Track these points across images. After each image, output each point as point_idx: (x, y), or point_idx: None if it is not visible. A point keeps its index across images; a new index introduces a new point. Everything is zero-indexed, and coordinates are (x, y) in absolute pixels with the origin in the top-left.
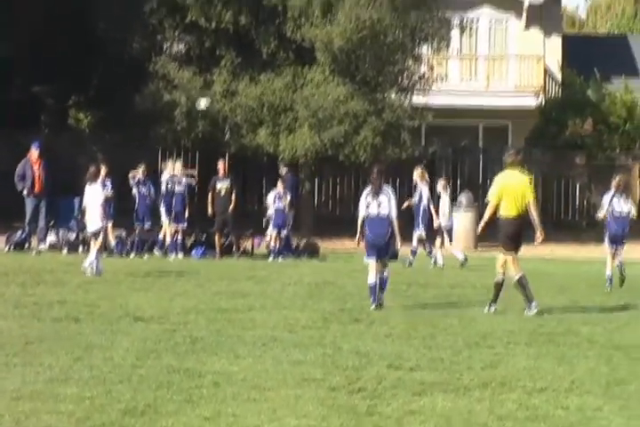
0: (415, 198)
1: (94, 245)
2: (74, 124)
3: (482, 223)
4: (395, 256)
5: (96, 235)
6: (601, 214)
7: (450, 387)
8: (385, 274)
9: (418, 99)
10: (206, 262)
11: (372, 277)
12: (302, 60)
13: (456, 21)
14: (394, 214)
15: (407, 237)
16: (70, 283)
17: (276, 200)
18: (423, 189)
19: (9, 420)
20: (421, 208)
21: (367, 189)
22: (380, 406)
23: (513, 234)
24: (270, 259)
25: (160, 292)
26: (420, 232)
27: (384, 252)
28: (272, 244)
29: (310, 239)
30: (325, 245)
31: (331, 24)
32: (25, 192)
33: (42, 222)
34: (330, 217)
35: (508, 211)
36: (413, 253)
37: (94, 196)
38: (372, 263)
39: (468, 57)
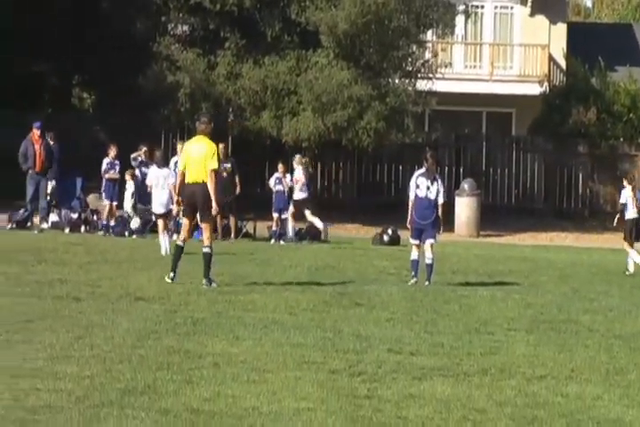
0: None
1: (162, 226)
2: (77, 103)
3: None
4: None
5: (164, 216)
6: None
7: (449, 372)
8: (430, 258)
9: (422, 84)
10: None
11: (414, 254)
12: (306, 43)
13: (461, 7)
14: (440, 200)
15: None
16: (72, 262)
17: (276, 183)
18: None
19: (8, 397)
20: None
21: (418, 172)
22: (380, 389)
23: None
24: (272, 242)
25: (161, 272)
26: None
27: (428, 234)
28: (274, 227)
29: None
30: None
31: (335, 8)
32: (29, 171)
33: (43, 202)
34: (332, 201)
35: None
36: None
37: (161, 178)
38: (415, 243)
39: (473, 43)
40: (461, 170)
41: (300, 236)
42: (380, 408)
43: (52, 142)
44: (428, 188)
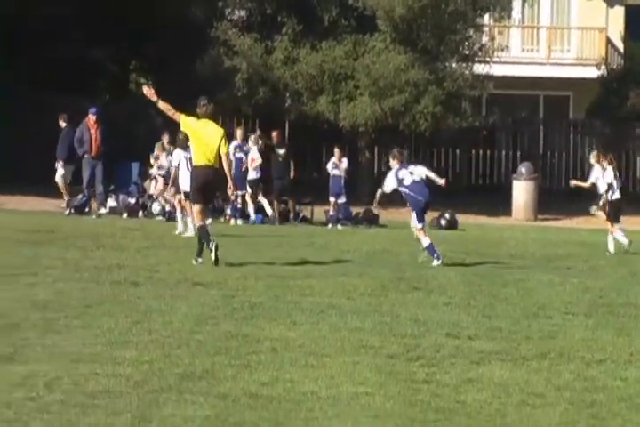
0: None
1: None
2: (134, 89)
3: None
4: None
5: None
6: None
7: (507, 356)
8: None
9: (478, 68)
10: (265, 228)
11: (426, 240)
12: (363, 28)
13: None
14: (431, 174)
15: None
16: (129, 247)
17: (333, 168)
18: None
19: (68, 382)
20: None
21: (394, 169)
22: (438, 374)
23: (202, 181)
24: (329, 226)
25: (221, 257)
26: None
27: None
28: (331, 211)
29: (369, 208)
30: (384, 214)
31: None
32: (85, 156)
33: (100, 186)
34: None
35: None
36: None
37: (186, 160)
38: (420, 227)
39: (530, 27)
40: (518, 154)
41: (356, 220)
42: (439, 393)
43: (64, 124)
44: (411, 173)
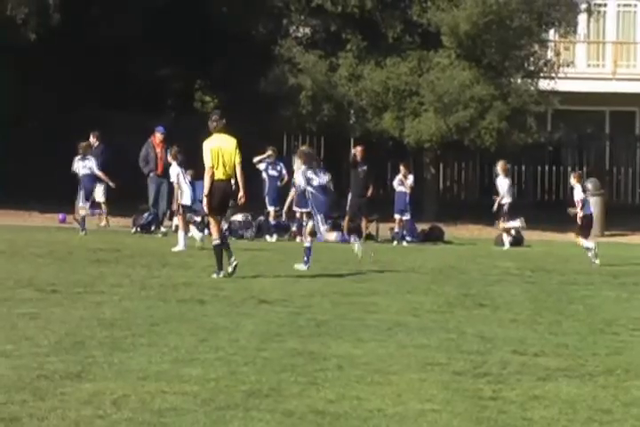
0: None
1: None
2: (199, 107)
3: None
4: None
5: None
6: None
7: (574, 373)
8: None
9: (544, 84)
10: (330, 246)
11: (309, 242)
12: (428, 44)
13: (583, 6)
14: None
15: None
16: (195, 265)
17: (398, 184)
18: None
19: (135, 400)
20: None
21: (302, 168)
22: (505, 390)
23: (222, 196)
24: (394, 243)
25: (285, 274)
26: None
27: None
28: (396, 228)
29: (434, 224)
30: (449, 230)
31: (457, 8)
32: (150, 174)
33: (164, 205)
34: (454, 202)
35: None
36: None
37: (183, 175)
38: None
39: (596, 42)
40: (585, 169)
41: (421, 237)
42: (505, 410)
43: (96, 142)
44: (318, 176)
